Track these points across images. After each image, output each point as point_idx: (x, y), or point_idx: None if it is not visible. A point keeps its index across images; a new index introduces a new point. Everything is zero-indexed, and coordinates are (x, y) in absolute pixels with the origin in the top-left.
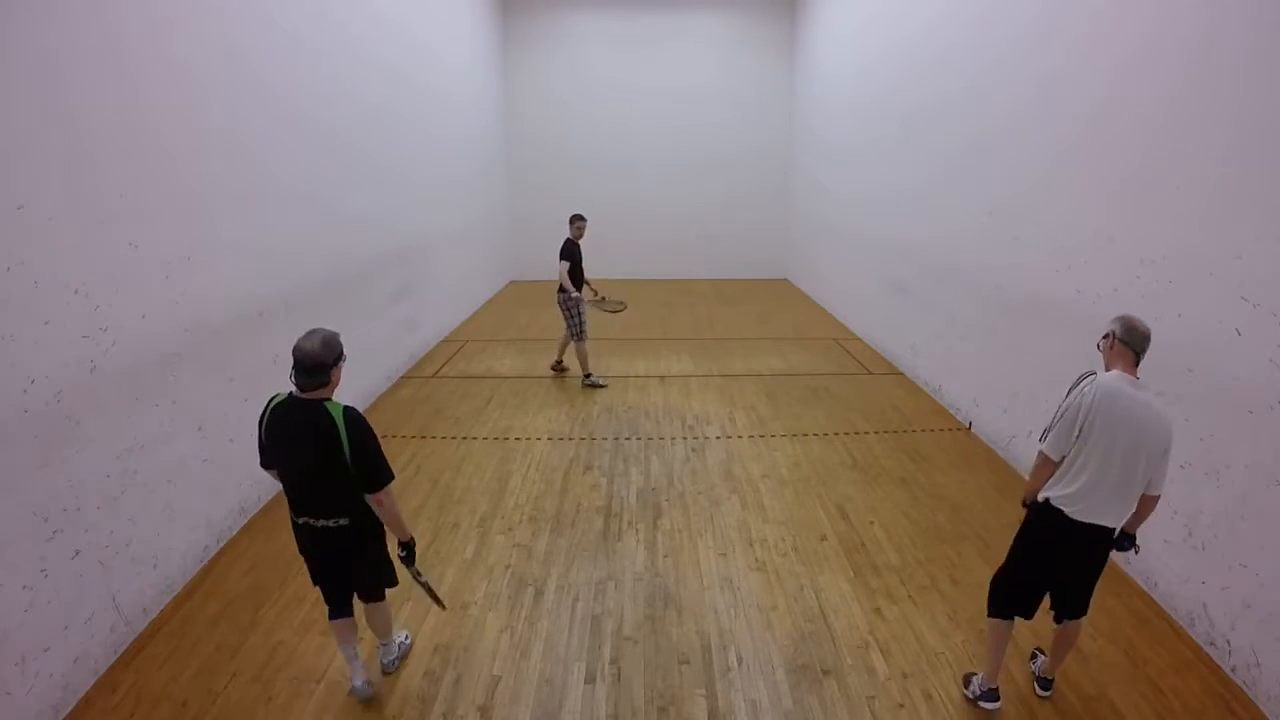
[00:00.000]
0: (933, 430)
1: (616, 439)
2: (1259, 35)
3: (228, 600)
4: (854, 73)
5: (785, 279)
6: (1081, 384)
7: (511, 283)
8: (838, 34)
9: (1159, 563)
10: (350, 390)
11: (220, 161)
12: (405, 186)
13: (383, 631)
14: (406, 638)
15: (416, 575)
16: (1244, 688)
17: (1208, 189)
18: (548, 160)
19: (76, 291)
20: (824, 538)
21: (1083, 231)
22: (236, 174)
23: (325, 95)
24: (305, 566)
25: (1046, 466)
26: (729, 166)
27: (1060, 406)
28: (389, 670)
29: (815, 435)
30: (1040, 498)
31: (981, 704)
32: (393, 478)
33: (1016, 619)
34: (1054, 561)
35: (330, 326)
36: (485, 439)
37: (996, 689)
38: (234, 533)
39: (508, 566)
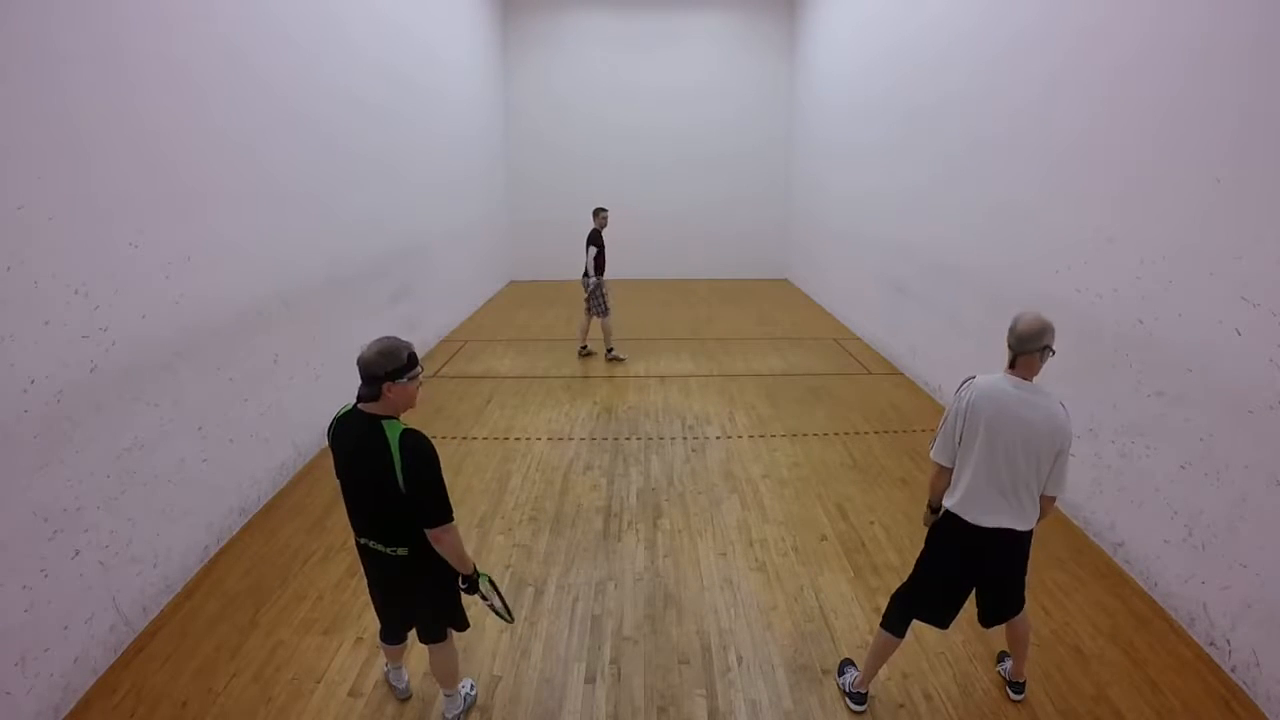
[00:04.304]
0: (933, 430)
1: (616, 439)
2: (1259, 35)
3: (228, 600)
4: (854, 73)
5: (785, 279)
6: (960, 388)
7: (511, 283)
8: (838, 34)
9: (1159, 563)
10: (352, 391)
11: (220, 161)
12: (405, 186)
13: (447, 680)
14: (472, 687)
15: (482, 598)
16: (1244, 688)
17: (1208, 189)
18: (548, 160)
19: (76, 291)
20: (824, 538)
21: (1083, 231)
22: (236, 174)
23: (325, 95)
24: (305, 567)
25: (940, 475)
26: (729, 166)
27: (945, 415)
28: None
29: (815, 435)
30: (944, 509)
31: (851, 705)
32: (451, 518)
33: (906, 638)
34: (962, 569)
35: (330, 326)
36: (485, 439)
37: (866, 693)
38: (234, 533)
39: (508, 566)
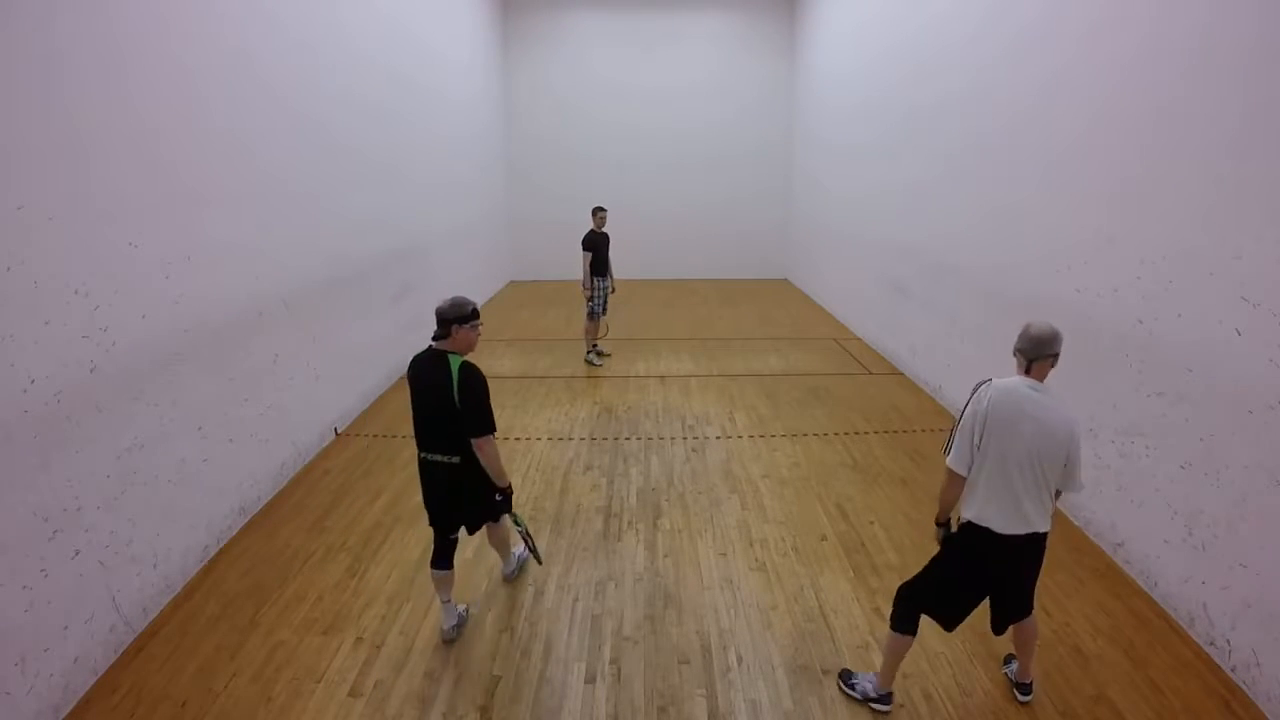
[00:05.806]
0: (933, 430)
1: (616, 439)
2: (1259, 35)
3: (228, 600)
4: (854, 73)
5: (785, 279)
6: (978, 390)
7: (511, 283)
8: (838, 34)
9: (1159, 563)
10: (352, 390)
11: (220, 161)
12: (405, 186)
13: (502, 547)
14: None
15: (516, 521)
16: (1244, 688)
17: (1208, 189)
18: (547, 160)
19: (76, 291)
20: (824, 538)
21: (1083, 232)
22: (236, 174)
23: (325, 95)
24: (305, 567)
25: (955, 483)
26: (729, 166)
27: (960, 418)
28: (509, 578)
29: (815, 435)
30: (963, 520)
31: (876, 706)
32: (494, 430)
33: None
34: (988, 580)
35: (330, 326)
36: None
37: (891, 693)
38: (234, 533)
39: None
